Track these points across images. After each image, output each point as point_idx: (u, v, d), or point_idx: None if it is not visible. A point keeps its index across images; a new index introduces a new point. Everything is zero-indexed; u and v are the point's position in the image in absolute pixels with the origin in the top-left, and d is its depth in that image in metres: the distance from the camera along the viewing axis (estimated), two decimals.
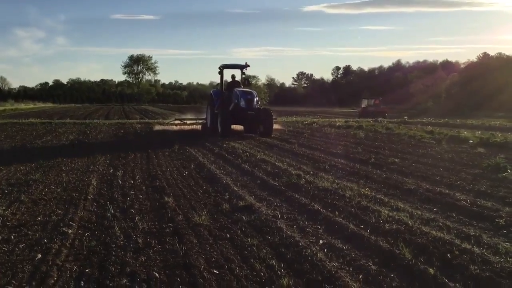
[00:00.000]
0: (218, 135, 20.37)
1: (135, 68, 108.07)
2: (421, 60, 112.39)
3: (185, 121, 25.56)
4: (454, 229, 6.63)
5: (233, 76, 22.94)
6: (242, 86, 22.34)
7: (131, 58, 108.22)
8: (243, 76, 23.15)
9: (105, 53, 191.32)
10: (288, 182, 9.96)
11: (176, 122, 25.51)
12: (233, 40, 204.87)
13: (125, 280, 4.90)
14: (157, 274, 5.09)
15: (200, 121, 24.89)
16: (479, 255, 5.50)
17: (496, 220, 7.01)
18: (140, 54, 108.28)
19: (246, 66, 22.74)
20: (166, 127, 24.69)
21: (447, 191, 9.07)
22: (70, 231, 6.59)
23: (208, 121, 22.79)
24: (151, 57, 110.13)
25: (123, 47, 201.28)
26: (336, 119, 35.85)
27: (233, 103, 20.96)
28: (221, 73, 22.68)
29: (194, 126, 24.74)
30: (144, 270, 5.25)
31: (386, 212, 7.49)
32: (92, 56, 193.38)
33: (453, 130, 23.84)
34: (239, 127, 22.92)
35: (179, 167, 12.33)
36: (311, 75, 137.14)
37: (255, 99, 20.89)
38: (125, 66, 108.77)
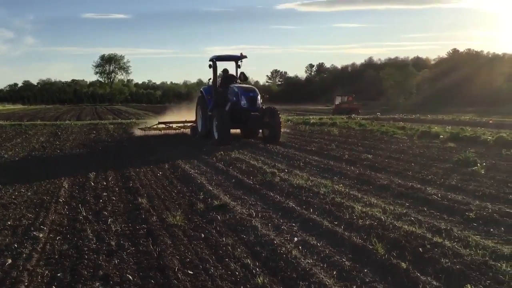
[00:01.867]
0: (215, 142, 16.85)
1: (107, 67, 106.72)
2: (392, 57, 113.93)
3: (170, 125, 21.75)
4: (426, 223, 6.74)
5: (225, 71, 19.65)
6: (238, 82, 19.07)
7: (102, 57, 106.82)
8: (239, 69, 19.67)
9: (76, 53, 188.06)
10: (262, 180, 9.97)
11: (160, 126, 21.47)
12: (206, 39, 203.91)
13: (98, 284, 4.83)
14: (130, 277, 5.02)
15: (189, 124, 21.37)
16: (450, 248, 5.60)
17: (466, 213, 7.16)
18: (112, 54, 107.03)
19: (242, 57, 19.40)
20: (148, 132, 21.26)
21: (418, 185, 9.22)
22: (41, 235, 6.46)
23: (199, 124, 19.54)
24: (123, 56, 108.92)
25: (95, 46, 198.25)
26: (311, 116, 36.04)
27: (230, 102, 17.70)
28: (213, 66, 18.94)
29: (181, 130, 21.61)
30: (117, 272, 5.17)
31: (360, 208, 7.56)
32: (63, 56, 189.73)
33: (424, 126, 24.25)
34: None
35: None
36: (285, 72, 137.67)
37: (259, 97, 17.62)
38: (96, 66, 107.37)
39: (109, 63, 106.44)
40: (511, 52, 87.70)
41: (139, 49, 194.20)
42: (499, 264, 5.07)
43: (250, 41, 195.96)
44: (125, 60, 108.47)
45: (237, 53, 19.42)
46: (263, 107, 17.86)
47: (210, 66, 19.02)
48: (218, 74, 19.54)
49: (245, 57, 19.39)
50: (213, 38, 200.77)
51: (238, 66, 19.67)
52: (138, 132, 21.58)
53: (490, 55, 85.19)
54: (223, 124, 16.69)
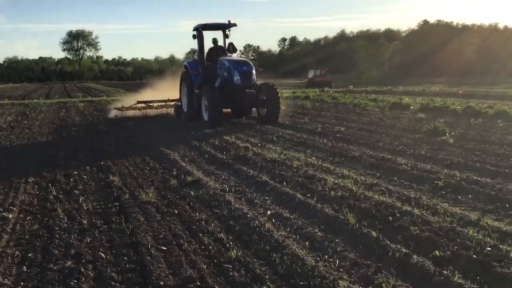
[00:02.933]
0: (205, 124, 14.88)
1: (75, 44, 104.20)
2: (364, 29, 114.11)
3: (151, 104, 19.01)
4: (396, 192, 6.87)
5: (215, 41, 17.12)
6: (228, 54, 16.68)
7: (70, 34, 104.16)
8: (227, 39, 17.21)
9: (42, 30, 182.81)
10: (236, 155, 9.97)
11: (140, 105, 18.74)
12: (178, 14, 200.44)
13: (69, 263, 4.78)
14: (103, 255, 5.00)
15: (172, 103, 18.92)
16: (419, 216, 5.74)
17: (435, 182, 7.31)
18: (79, 30, 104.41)
19: (231, 25, 16.76)
20: (125, 113, 18.64)
21: (389, 156, 9.36)
22: (10, 215, 6.35)
23: (184, 103, 17.29)
24: (92, 32, 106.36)
25: (62, 22, 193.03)
26: (284, 90, 36.01)
27: (220, 78, 15.64)
28: (198, 36, 16.48)
29: (164, 110, 19.23)
30: (90, 251, 5.14)
31: (332, 180, 7.65)
32: (29, 33, 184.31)
33: (396, 97, 24.53)
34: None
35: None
36: (258, 47, 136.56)
37: (253, 71, 15.40)
38: (64, 43, 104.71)
39: (77, 39, 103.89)
40: (481, 22, 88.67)
41: (108, 25, 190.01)
42: (466, 230, 5.22)
43: (222, 15, 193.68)
44: (93, 36, 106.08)
45: (224, 21, 16.83)
46: (258, 83, 15.74)
47: (194, 36, 16.59)
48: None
49: (235, 25, 16.75)
50: (183, 12, 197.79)
51: (226, 36, 17.22)
52: (114, 113, 19.09)
53: (460, 26, 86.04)
54: (214, 104, 14.66)
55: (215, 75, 15.87)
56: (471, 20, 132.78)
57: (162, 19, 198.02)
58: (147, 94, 22.58)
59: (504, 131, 12.08)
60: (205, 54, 16.70)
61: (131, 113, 18.61)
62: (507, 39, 74.09)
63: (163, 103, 19.18)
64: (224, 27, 17.05)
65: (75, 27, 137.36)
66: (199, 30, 16.49)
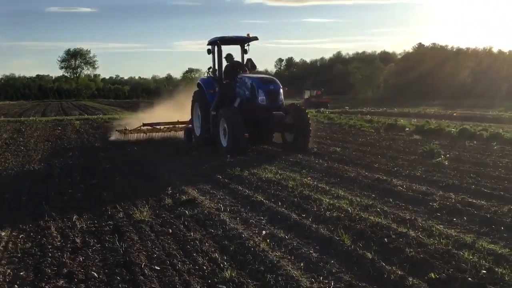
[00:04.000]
0: (224, 151, 12.81)
1: (73, 62, 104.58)
2: (360, 51, 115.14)
3: (160, 126, 17.38)
4: (391, 214, 6.86)
5: (229, 57, 15.04)
6: (247, 71, 14.60)
7: (68, 52, 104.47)
8: (245, 55, 15.28)
9: (40, 48, 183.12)
10: (231, 175, 9.94)
11: (144, 128, 16.97)
12: (175, 33, 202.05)
13: (61, 282, 4.73)
14: (95, 274, 4.94)
15: (182, 126, 17.25)
16: (415, 238, 5.72)
17: (430, 203, 7.31)
18: (77, 48, 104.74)
19: (251, 39, 14.90)
20: (128, 136, 16.85)
21: (385, 177, 9.36)
22: (3, 233, 6.30)
23: (197, 126, 15.24)
24: (89, 50, 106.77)
25: (60, 41, 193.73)
26: None
27: (240, 98, 13.66)
28: (216, 51, 14.44)
29: (172, 133, 17.50)
30: (82, 270, 5.08)
31: (328, 200, 7.63)
32: (27, 51, 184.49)
33: (391, 119, 24.67)
34: None
35: None
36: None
37: (281, 91, 13.29)
38: (61, 61, 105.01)
39: (74, 58, 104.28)
40: (475, 46, 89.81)
41: (105, 44, 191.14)
42: (461, 253, 5.20)
43: (219, 35, 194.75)
44: (91, 55, 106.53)
45: (243, 34, 15.00)
46: (285, 105, 13.64)
47: (209, 51, 14.72)
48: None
49: (256, 38, 14.88)
50: (181, 32, 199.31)
51: (244, 52, 15.24)
52: (116, 136, 17.31)
53: (454, 49, 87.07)
54: (236, 128, 12.55)
55: (234, 94, 13.89)
56: (466, 44, 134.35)
57: (159, 39, 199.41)
58: (149, 116, 20.52)
59: (499, 154, 12.14)
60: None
61: (134, 136, 16.86)
62: (501, 62, 74.98)
63: (172, 126, 17.52)
64: (243, 41, 15.11)
65: (73, 45, 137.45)
66: (217, 44, 14.33)
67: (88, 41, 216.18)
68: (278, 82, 13.43)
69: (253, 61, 14.84)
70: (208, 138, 14.27)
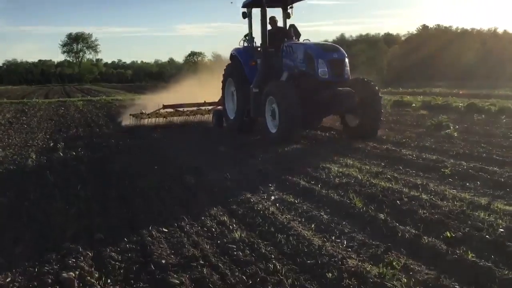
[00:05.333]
0: (272, 138, 10.20)
1: (75, 46, 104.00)
2: (363, 33, 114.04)
3: (183, 109, 14.81)
4: (402, 179, 6.71)
5: (273, 21, 12.13)
6: (293, 38, 11.73)
7: (69, 36, 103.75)
8: (287, 20, 12.61)
9: (42, 33, 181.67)
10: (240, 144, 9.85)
11: (163, 111, 14.55)
12: (177, 17, 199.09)
13: (67, 243, 4.60)
14: (101, 235, 4.82)
15: (210, 108, 14.74)
16: (427, 200, 5.58)
17: (442, 170, 7.14)
18: (79, 32, 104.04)
19: None
20: (142, 121, 14.24)
21: (393, 148, 9.20)
22: (5, 200, 6.20)
23: (229, 108, 12.69)
24: (91, 34, 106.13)
25: (61, 25, 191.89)
26: None
27: (287, 71, 10.80)
28: (261, 13, 11.40)
29: (198, 117, 14.87)
30: (88, 232, 4.98)
31: (336, 168, 7.50)
32: (28, 36, 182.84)
33: (397, 96, 24.38)
34: None
35: None
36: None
37: (347, 61, 10.42)
38: (63, 45, 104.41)
39: (76, 42, 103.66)
40: (480, 27, 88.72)
41: (107, 28, 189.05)
42: (476, 214, 5.06)
43: (223, 18, 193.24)
44: (93, 39, 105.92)
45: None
46: (351, 79, 10.65)
47: (244, 15, 11.98)
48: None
49: None
50: (182, 16, 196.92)
51: (287, 16, 12.61)
52: (129, 120, 14.51)
53: (459, 30, 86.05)
54: (291, 109, 9.63)
55: (279, 67, 11.14)
56: (470, 25, 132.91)
57: (162, 22, 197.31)
58: (160, 98, 17.21)
59: (509, 126, 11.91)
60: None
61: (152, 121, 14.29)
62: (506, 43, 74.11)
63: (196, 108, 14.96)
64: (286, 3, 12.44)
65: (74, 30, 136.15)
66: (261, 3, 11.20)
67: (90, 25, 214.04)
68: (343, 50, 10.54)
69: (297, 28, 11.95)
70: (244, 122, 11.80)
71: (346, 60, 10.37)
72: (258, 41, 11.89)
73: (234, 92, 12.29)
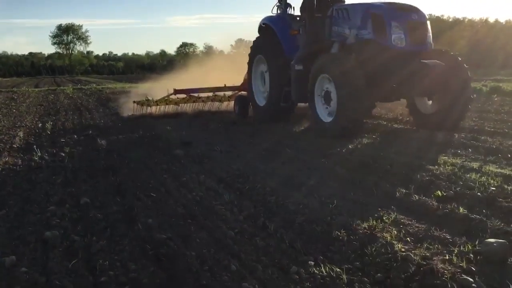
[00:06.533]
0: (327, 130, 7.83)
1: (65, 38, 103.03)
2: None
3: (197, 94, 12.17)
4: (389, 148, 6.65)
5: None
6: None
7: (59, 27, 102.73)
8: None
9: (32, 25, 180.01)
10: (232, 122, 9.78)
11: (174, 97, 11.97)
12: (168, 8, 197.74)
13: (52, 207, 4.50)
14: (88, 200, 4.73)
15: (231, 93, 12.30)
16: (418, 165, 5.55)
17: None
18: (69, 23, 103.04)
19: None
20: (147, 109, 11.90)
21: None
22: None
23: (258, 92, 10.44)
24: (81, 26, 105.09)
25: (51, 18, 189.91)
26: None
27: (338, 41, 8.27)
28: None
29: (216, 104, 12.43)
30: (74, 197, 4.88)
31: (323, 142, 7.43)
32: (18, 29, 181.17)
33: None
34: None
35: None
36: (250, 42, 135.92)
37: (428, 25, 8.02)
38: (53, 36, 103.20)
39: (67, 33, 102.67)
40: (472, 16, 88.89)
41: (98, 20, 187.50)
42: (468, 175, 5.03)
43: (213, 10, 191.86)
44: (83, 30, 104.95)
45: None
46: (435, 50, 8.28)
47: None
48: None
49: None
50: (173, 7, 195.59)
51: None
52: (133, 110, 11.99)
53: (450, 20, 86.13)
54: (356, 90, 7.29)
55: (327, 36, 8.65)
56: (462, 14, 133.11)
57: (152, 14, 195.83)
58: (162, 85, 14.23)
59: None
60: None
61: (157, 109, 11.94)
62: (497, 32, 74.29)
63: (213, 94, 12.29)
64: None
65: (64, 21, 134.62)
66: None
67: (80, 17, 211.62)
68: (422, 11, 8.00)
69: None
70: (283, 109, 9.57)
71: (428, 23, 7.98)
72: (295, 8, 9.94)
73: (265, 72, 9.98)
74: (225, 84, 12.29)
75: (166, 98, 11.89)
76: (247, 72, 10.90)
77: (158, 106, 11.81)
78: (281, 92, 9.37)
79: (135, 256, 3.42)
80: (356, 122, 7.48)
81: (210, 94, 12.22)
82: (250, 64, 10.56)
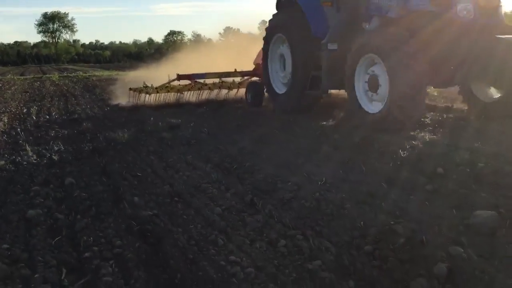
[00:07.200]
0: (374, 123, 6.30)
1: (51, 26, 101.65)
2: None
3: (203, 80, 10.70)
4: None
5: None
6: None
7: (45, 15, 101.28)
8: None
9: (17, 14, 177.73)
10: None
11: (176, 83, 10.51)
12: None
13: (36, 187, 4.41)
14: (73, 180, 4.64)
15: (240, 79, 10.90)
16: (405, 147, 5.51)
17: None
18: (55, 11, 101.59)
19: None
20: (148, 98, 10.29)
21: None
22: None
23: (278, 77, 8.95)
24: (67, 14, 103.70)
25: (36, 6, 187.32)
26: None
27: (378, 15, 6.99)
28: None
29: (222, 92, 10.87)
30: (58, 178, 4.79)
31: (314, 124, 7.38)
32: (3, 17, 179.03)
33: None
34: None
35: None
36: (238, 30, 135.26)
37: None
38: (39, 25, 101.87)
39: (52, 21, 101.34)
40: None
41: (84, 8, 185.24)
42: (457, 154, 4.99)
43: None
44: (69, 18, 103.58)
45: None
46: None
47: None
48: None
49: None
50: None
51: None
52: (128, 98, 10.45)
53: None
54: (415, 74, 5.99)
55: (367, 9, 7.26)
56: None
57: (140, 1, 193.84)
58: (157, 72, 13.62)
59: None
60: None
61: (157, 98, 10.37)
62: None
63: (219, 81, 10.77)
64: None
65: (50, 10, 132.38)
66: None
67: (65, 5, 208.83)
68: None
69: None
70: (309, 97, 8.13)
71: None
72: None
73: (286, 53, 8.56)
74: (235, 69, 10.80)
75: (167, 84, 10.31)
76: (258, 55, 9.86)
77: (158, 94, 10.25)
78: (307, 77, 7.91)
79: (121, 232, 3.36)
80: (411, 112, 6.05)
81: (217, 80, 10.73)
82: (266, 45, 9.11)
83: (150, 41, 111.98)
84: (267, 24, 9.14)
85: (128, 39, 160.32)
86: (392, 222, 3.20)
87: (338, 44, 7.27)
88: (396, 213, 3.41)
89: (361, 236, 3.07)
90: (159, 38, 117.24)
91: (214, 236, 3.20)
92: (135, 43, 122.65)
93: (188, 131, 7.17)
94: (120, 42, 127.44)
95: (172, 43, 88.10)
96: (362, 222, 3.25)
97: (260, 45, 9.50)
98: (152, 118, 8.50)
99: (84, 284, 2.65)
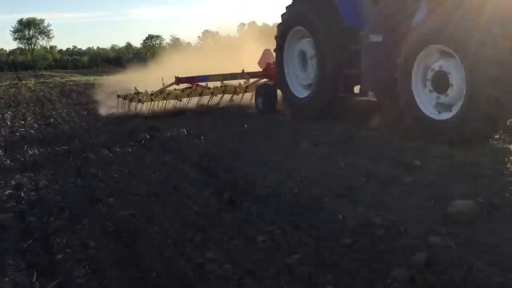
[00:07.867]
0: (446, 134, 4.99)
1: (27, 33, 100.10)
2: None
3: (205, 83, 9.30)
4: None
5: None
6: None
7: (20, 22, 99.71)
8: None
9: None
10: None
11: (175, 87, 9.15)
12: (129, 1, 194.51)
13: (9, 191, 4.30)
14: (46, 183, 4.54)
15: (251, 81, 9.49)
16: (382, 138, 5.52)
17: None
18: (30, 18, 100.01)
19: None
20: (141, 106, 8.90)
21: None
22: None
23: (298, 81, 7.70)
24: (43, 20, 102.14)
25: (10, 13, 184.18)
26: None
27: (427, 6, 5.48)
28: None
29: (225, 97, 9.58)
30: (32, 182, 4.67)
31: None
32: None
33: None
34: None
35: None
36: (217, 33, 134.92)
37: None
38: (15, 31, 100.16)
39: (28, 28, 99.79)
40: None
41: (59, 14, 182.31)
42: (432, 146, 5.00)
43: (178, 1, 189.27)
44: (45, 24, 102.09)
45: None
46: None
47: None
48: None
49: None
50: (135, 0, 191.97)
51: None
52: (117, 107, 9.22)
53: None
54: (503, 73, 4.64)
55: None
56: None
57: (115, 6, 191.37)
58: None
59: None
60: None
61: (151, 106, 8.95)
62: None
63: (221, 84, 9.39)
64: None
65: (26, 16, 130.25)
66: None
67: (40, 11, 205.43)
68: None
69: None
70: (339, 101, 6.91)
71: None
72: None
73: (308, 50, 7.33)
74: (243, 70, 9.34)
75: (162, 91, 8.87)
76: (263, 54, 8.75)
77: (152, 102, 8.83)
78: (338, 78, 6.62)
79: (95, 234, 3.27)
80: (500, 120, 4.90)
81: (218, 84, 9.34)
82: (281, 41, 7.78)
83: (128, 46, 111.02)
84: (280, 18, 7.78)
85: (106, 44, 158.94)
86: (372, 215, 3.17)
87: (384, 35, 5.95)
88: (375, 205, 3.39)
89: (340, 229, 3.04)
90: (137, 42, 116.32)
91: (192, 234, 3.14)
92: (113, 48, 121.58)
93: (167, 133, 7.06)
94: (98, 48, 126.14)
95: (151, 47, 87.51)
96: (341, 216, 3.22)
97: (245, 47, 9.31)
98: (131, 120, 8.38)
99: (56, 286, 2.56)
